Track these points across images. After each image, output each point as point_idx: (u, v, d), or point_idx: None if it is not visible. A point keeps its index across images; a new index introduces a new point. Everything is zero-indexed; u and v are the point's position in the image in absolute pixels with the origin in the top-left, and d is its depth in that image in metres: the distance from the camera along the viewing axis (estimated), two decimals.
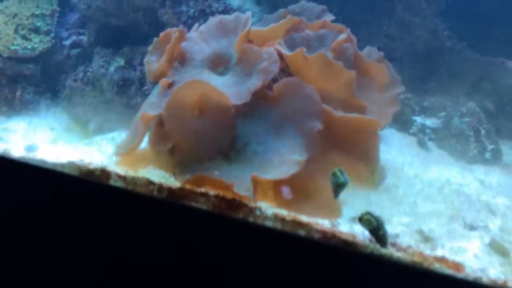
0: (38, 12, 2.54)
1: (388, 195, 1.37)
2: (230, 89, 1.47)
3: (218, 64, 1.60)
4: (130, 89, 2.14)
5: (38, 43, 2.50)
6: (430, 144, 1.91)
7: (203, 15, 1.97)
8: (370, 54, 1.55)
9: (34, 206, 1.14)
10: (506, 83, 2.61)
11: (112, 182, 1.29)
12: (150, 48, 1.69)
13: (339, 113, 1.30)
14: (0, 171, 1.14)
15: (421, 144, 1.87)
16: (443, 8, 2.51)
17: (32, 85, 2.64)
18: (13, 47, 2.46)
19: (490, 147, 1.88)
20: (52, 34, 2.54)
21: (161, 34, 1.65)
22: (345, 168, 1.41)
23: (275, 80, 1.53)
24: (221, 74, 1.59)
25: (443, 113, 2.02)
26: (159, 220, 1.14)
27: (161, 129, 1.58)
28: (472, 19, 2.64)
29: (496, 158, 1.89)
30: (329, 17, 1.58)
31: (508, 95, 2.61)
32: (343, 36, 1.45)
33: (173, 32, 1.61)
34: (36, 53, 2.51)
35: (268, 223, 1.16)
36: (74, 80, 2.42)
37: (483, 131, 1.90)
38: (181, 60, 1.62)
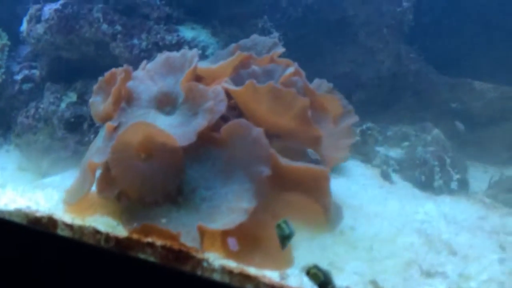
0: None
1: (344, 238, 1.35)
2: (175, 130, 1.45)
3: (166, 103, 1.58)
4: (82, 126, 2.09)
5: None
6: (394, 175, 1.90)
7: (156, 48, 1.95)
8: (320, 86, 1.55)
9: None
10: (475, 104, 2.65)
11: (59, 231, 1.25)
12: (95, 88, 1.66)
13: (284, 161, 1.28)
14: None
15: (385, 176, 1.86)
16: (406, 31, 2.55)
17: None
18: None
19: (456, 176, 1.87)
20: (3, 70, 2.49)
21: (106, 74, 1.62)
22: (298, 213, 1.38)
23: (226, 118, 1.51)
24: (168, 113, 1.56)
25: (406, 143, 2.02)
26: (106, 272, 1.10)
27: (108, 175, 1.55)
28: (438, 41, 2.69)
29: (462, 188, 1.89)
30: (280, 49, 1.57)
31: (477, 116, 2.65)
32: (291, 69, 1.45)
33: (118, 72, 1.58)
34: None
35: (216, 276, 1.12)
36: (25, 117, 2.36)
37: (448, 160, 1.90)
38: (127, 100, 1.59)
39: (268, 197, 1.32)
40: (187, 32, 1.98)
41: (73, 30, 2.08)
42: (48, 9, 2.11)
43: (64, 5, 2.08)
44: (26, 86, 2.46)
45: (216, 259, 1.13)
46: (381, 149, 2.00)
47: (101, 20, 2.01)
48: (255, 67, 1.47)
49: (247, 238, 1.30)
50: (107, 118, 1.60)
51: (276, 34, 2.52)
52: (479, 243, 1.44)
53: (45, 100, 2.23)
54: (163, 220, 1.40)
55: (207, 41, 1.98)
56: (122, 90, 1.57)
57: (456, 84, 2.66)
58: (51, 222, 1.24)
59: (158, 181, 1.43)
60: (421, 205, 1.66)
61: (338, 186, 1.71)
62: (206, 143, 1.43)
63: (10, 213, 1.29)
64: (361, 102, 2.63)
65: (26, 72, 2.48)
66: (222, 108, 1.41)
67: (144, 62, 1.68)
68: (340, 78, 2.62)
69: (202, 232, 1.29)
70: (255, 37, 1.68)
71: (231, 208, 1.30)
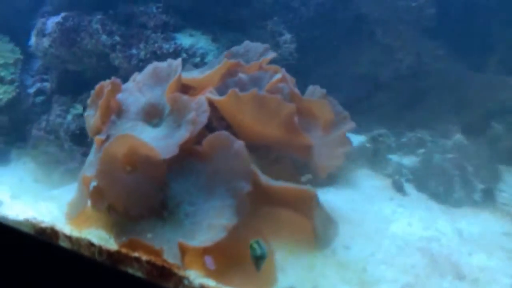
0: (1, 61, 2.63)
1: (335, 259, 1.27)
2: (159, 142, 1.45)
3: (154, 115, 1.58)
4: (87, 138, 2.14)
5: (3, 94, 2.57)
6: (408, 186, 1.78)
7: (154, 57, 1.96)
8: (314, 92, 1.49)
9: None
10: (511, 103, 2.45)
11: (60, 241, 1.31)
12: (88, 101, 1.69)
13: (264, 179, 1.24)
14: None
15: (397, 186, 1.73)
16: (427, 26, 2.40)
17: (2, 135, 2.69)
18: None
19: (479, 186, 1.72)
20: (17, 83, 2.61)
21: (96, 87, 1.65)
22: (285, 231, 1.33)
23: (213, 129, 1.49)
24: (156, 125, 1.57)
25: (422, 150, 1.88)
26: (98, 285, 1.12)
27: (99, 188, 1.58)
28: (466, 36, 2.51)
29: (488, 199, 1.73)
30: (270, 55, 1.53)
31: None
32: (277, 76, 1.40)
33: (105, 85, 1.61)
34: (2, 104, 2.58)
35: None
36: (38, 129, 2.46)
37: (470, 168, 1.75)
38: (117, 112, 1.61)
39: (251, 214, 1.28)
40: (184, 39, 1.98)
41: (75, 43, 2.14)
42: (51, 22, 2.19)
43: (65, 18, 2.15)
44: (38, 99, 2.57)
45: (197, 278, 1.12)
46: (393, 157, 1.88)
47: (100, 31, 2.06)
48: (242, 75, 1.44)
49: (227, 256, 1.28)
50: (97, 131, 1.63)
51: (288, 36, 2.46)
52: (495, 264, 1.31)
53: (52, 113, 2.32)
54: (149, 235, 1.41)
55: (206, 47, 1.96)
56: (110, 102, 1.59)
57: (489, 82, 2.47)
58: (54, 233, 1.30)
59: (142, 194, 1.44)
60: (434, 219, 1.53)
61: (341, 198, 1.63)
62: (189, 156, 1.41)
63: (20, 223, 1.36)
64: (381, 104, 2.52)
65: (38, 85, 2.59)
66: (204, 119, 1.39)
67: (136, 73, 1.70)
68: (358, 79, 2.52)
69: (183, 249, 1.28)
70: (247, 43, 1.64)
71: (211, 224, 1.28)
